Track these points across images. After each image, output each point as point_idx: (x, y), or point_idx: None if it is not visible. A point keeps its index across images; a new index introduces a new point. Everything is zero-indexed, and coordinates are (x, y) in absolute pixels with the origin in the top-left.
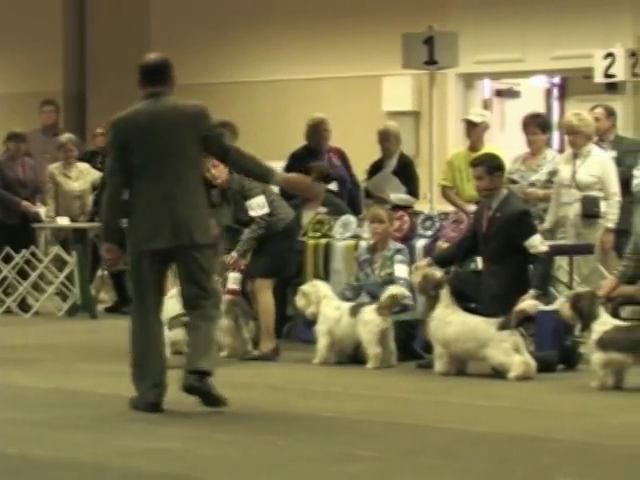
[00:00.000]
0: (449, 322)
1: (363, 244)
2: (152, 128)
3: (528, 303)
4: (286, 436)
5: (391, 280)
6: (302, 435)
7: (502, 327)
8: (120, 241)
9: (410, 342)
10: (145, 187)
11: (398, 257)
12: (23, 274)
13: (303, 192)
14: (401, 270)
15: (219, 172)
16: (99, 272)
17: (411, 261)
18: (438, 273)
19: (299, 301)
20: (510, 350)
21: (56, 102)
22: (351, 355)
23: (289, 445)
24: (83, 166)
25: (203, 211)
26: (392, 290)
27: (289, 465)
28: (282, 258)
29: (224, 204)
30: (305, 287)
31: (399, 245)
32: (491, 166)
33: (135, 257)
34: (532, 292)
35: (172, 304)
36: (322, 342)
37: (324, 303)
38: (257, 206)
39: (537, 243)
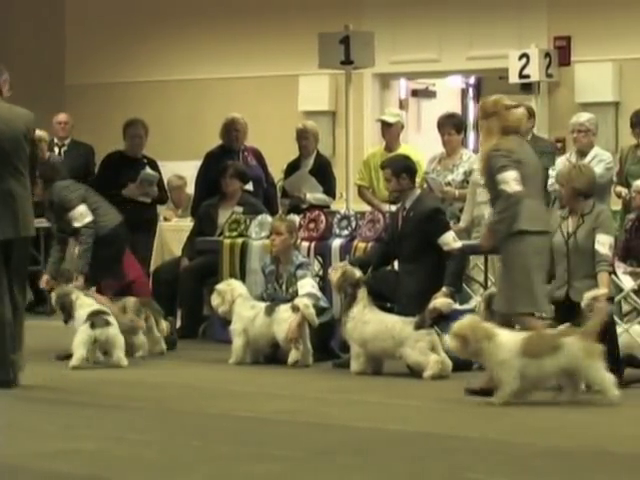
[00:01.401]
0: (366, 321)
1: (255, 244)
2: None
3: (441, 301)
4: (200, 436)
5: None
6: (216, 435)
7: (418, 326)
8: None
9: (327, 342)
10: None
11: (299, 272)
12: None
13: None
14: (305, 286)
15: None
16: None
17: (328, 261)
18: (357, 272)
19: (214, 300)
20: (426, 349)
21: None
22: (268, 354)
23: (203, 445)
24: None
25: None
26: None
27: (203, 465)
28: (103, 265)
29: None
30: (220, 286)
31: (301, 258)
32: (398, 168)
33: None
34: (444, 290)
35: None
36: (237, 342)
37: (238, 302)
38: (80, 216)
39: (450, 240)
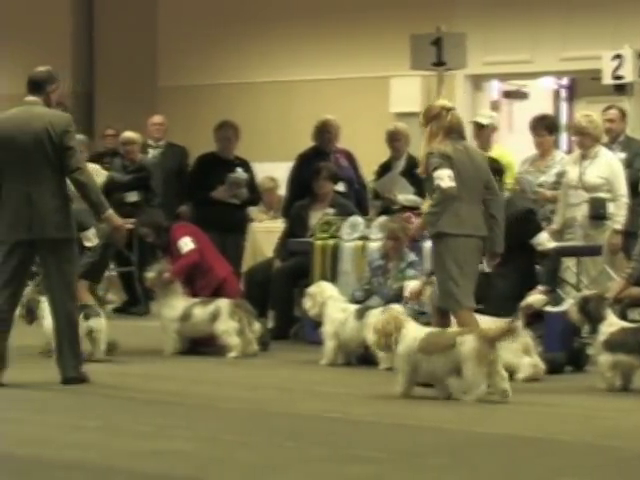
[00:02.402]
0: None
1: (371, 245)
2: (16, 133)
3: (535, 297)
4: (293, 437)
5: (401, 296)
6: (309, 436)
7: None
8: None
9: None
10: (6, 185)
11: (410, 272)
12: None
13: (115, 235)
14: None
15: None
16: (107, 273)
17: (420, 262)
18: None
19: (306, 303)
20: (519, 351)
21: (65, 103)
22: (359, 356)
23: (296, 446)
24: (93, 167)
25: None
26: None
27: (296, 466)
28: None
29: None
30: (311, 289)
31: (412, 256)
32: None
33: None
34: (540, 287)
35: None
36: (329, 344)
37: (329, 304)
38: (93, 236)
39: (544, 240)
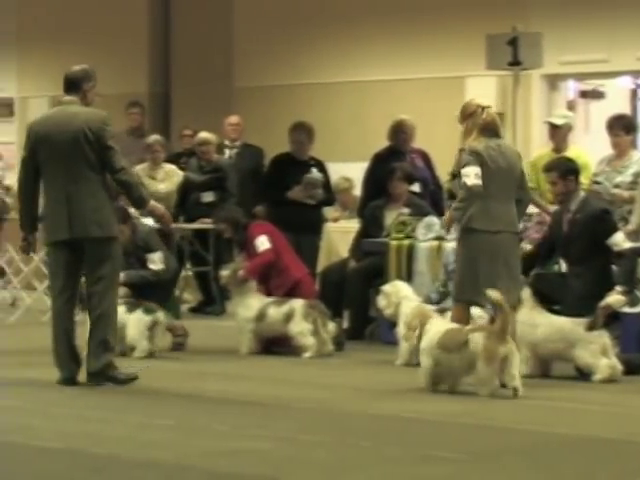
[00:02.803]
0: (537, 324)
1: (447, 246)
2: (53, 133)
3: (614, 298)
4: (369, 437)
5: None
6: (385, 436)
7: (590, 328)
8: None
9: None
10: (48, 185)
11: None
12: None
13: (162, 223)
14: None
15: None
16: (183, 272)
17: None
18: None
19: (380, 301)
20: (597, 352)
21: (142, 104)
22: None
23: (372, 446)
24: (169, 167)
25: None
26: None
27: (372, 466)
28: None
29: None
30: (386, 287)
31: None
32: (564, 170)
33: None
34: (618, 288)
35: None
36: (404, 345)
37: (404, 304)
38: (158, 260)
39: (620, 241)
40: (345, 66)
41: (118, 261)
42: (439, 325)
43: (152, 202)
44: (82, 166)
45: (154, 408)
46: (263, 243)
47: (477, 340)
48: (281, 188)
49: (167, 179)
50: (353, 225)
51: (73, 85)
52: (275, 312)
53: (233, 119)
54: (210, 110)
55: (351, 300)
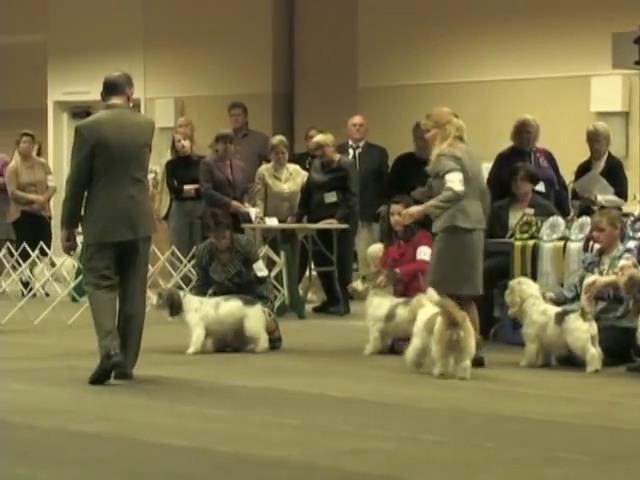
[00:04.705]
0: None
1: (572, 246)
2: (113, 136)
3: None
4: (493, 438)
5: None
6: (510, 437)
7: None
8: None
9: (623, 346)
10: (106, 187)
11: (626, 255)
12: None
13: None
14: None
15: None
16: (307, 272)
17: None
18: None
19: (507, 295)
20: None
21: (244, 105)
22: (560, 356)
23: (496, 447)
24: (293, 168)
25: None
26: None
27: (495, 467)
28: None
29: (215, 260)
30: (512, 282)
31: (629, 245)
32: None
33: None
34: None
35: None
36: (531, 346)
37: (529, 303)
38: (263, 266)
39: None
40: (469, 65)
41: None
42: (429, 310)
43: None
44: (139, 169)
45: (278, 407)
46: (426, 254)
47: (437, 324)
48: (404, 188)
49: (291, 179)
50: None
51: (117, 89)
52: (404, 312)
53: (357, 119)
54: (334, 110)
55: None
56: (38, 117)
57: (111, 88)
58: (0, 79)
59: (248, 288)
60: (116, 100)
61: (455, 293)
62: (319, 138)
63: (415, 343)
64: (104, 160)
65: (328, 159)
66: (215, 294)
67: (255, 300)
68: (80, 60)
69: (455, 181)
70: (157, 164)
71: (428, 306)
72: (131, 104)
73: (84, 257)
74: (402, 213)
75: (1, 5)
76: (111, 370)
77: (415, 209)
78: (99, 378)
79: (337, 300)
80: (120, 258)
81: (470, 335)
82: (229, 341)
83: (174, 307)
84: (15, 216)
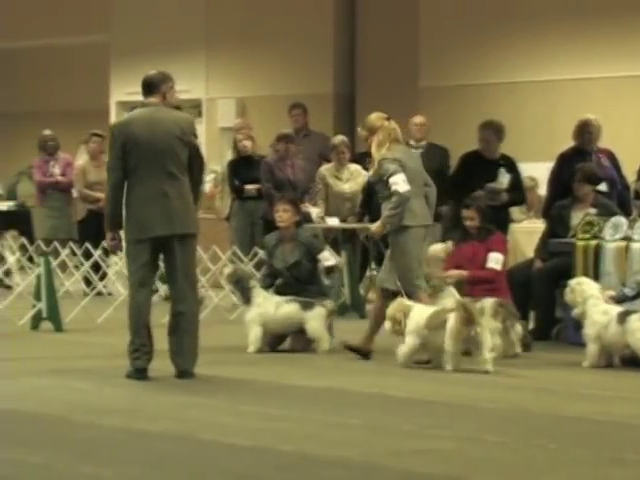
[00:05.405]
0: None
1: (634, 246)
2: (145, 134)
3: None
4: (555, 438)
5: None
6: (572, 438)
7: None
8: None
9: None
10: (138, 184)
11: None
12: None
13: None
14: None
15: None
16: (368, 272)
17: None
18: None
19: (567, 295)
20: None
21: (304, 105)
22: (625, 358)
23: (559, 448)
24: (354, 167)
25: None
26: None
27: (558, 468)
28: None
29: (279, 248)
30: (572, 282)
31: None
32: None
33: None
34: None
35: None
36: (592, 347)
37: (590, 303)
38: (330, 255)
39: None
40: (532, 65)
41: (195, 258)
42: (422, 309)
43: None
44: (173, 166)
45: (340, 407)
46: (497, 262)
47: (452, 319)
48: (467, 189)
49: (352, 179)
50: (538, 225)
51: (152, 87)
52: None
53: (418, 119)
54: (395, 110)
55: (537, 301)
56: (101, 117)
57: (146, 87)
58: (63, 80)
59: (307, 282)
60: (152, 99)
61: (403, 289)
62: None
63: (412, 341)
64: (135, 157)
65: None
66: (278, 286)
67: (313, 303)
68: (142, 60)
69: (399, 182)
70: (218, 164)
71: (418, 306)
72: (172, 101)
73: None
74: (371, 232)
75: (64, 7)
76: (137, 373)
77: (376, 226)
78: (129, 376)
79: None
80: (161, 256)
81: (486, 330)
82: (290, 343)
83: (244, 294)
84: (81, 215)
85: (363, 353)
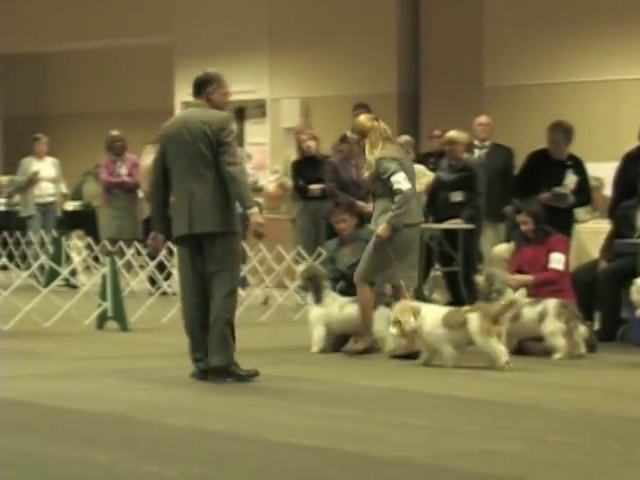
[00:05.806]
0: None
1: None
2: (178, 133)
3: None
4: (621, 440)
5: None
6: (637, 440)
7: None
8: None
9: None
10: (174, 184)
11: None
12: None
13: (256, 231)
14: None
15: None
16: (432, 272)
17: None
18: None
19: (633, 295)
20: None
21: (367, 105)
22: None
23: (624, 449)
24: (418, 168)
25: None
26: None
27: (624, 469)
28: None
29: (340, 251)
30: (638, 282)
31: None
32: None
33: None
34: None
35: None
36: None
37: None
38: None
39: None
40: (596, 64)
41: (238, 257)
42: (433, 309)
43: (255, 209)
44: (201, 164)
45: (404, 407)
46: (559, 262)
47: (473, 320)
48: (533, 188)
49: (416, 180)
50: (603, 225)
51: (198, 89)
52: (529, 312)
53: (482, 119)
54: (459, 110)
55: (602, 301)
56: (166, 118)
57: (194, 88)
58: (128, 81)
59: None
60: (197, 100)
61: (396, 284)
62: (452, 134)
63: (445, 341)
64: (170, 158)
65: (455, 157)
66: (341, 287)
67: (377, 304)
68: (206, 60)
69: (401, 181)
70: (281, 164)
71: (427, 307)
72: (220, 102)
73: None
74: (379, 235)
75: (128, 8)
76: (199, 374)
77: (382, 229)
78: (193, 376)
79: (462, 301)
80: (201, 255)
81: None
82: (352, 344)
83: (317, 293)
84: (146, 215)
85: (411, 357)
